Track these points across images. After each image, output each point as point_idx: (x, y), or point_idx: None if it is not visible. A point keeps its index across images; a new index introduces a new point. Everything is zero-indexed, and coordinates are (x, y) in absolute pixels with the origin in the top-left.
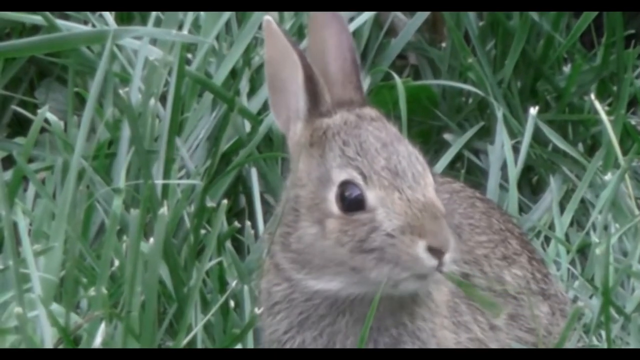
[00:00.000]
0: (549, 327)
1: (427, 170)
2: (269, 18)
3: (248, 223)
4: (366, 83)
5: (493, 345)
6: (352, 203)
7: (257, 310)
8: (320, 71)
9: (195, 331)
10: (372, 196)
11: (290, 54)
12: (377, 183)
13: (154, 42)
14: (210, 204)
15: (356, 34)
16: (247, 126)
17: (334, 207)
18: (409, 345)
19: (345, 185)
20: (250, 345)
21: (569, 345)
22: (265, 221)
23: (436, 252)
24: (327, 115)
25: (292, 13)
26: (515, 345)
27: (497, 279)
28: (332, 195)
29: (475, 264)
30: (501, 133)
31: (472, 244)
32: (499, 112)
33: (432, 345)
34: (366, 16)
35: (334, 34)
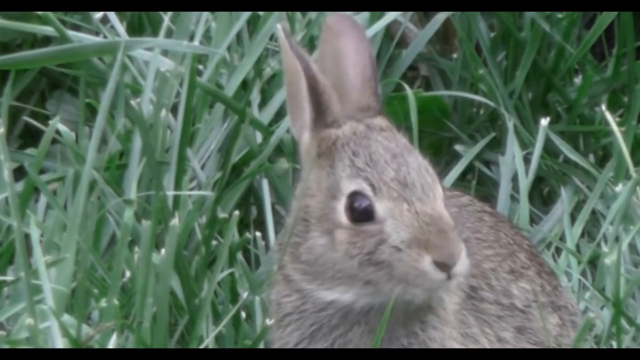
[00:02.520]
0: (558, 338)
1: (436, 182)
2: (279, 27)
3: (259, 234)
4: None
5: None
6: (361, 214)
7: (269, 322)
8: (335, 78)
9: (207, 342)
10: (381, 207)
11: (295, 65)
12: (387, 194)
13: (165, 53)
14: (221, 215)
15: None
16: (258, 137)
17: (343, 217)
18: None
19: (354, 195)
20: None
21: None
22: (276, 232)
23: (443, 265)
24: (334, 126)
25: (304, 23)
26: None
27: (504, 293)
28: (341, 205)
29: (483, 278)
30: (512, 144)
31: (480, 257)
32: (510, 123)
33: None
34: (377, 27)
35: (353, 40)
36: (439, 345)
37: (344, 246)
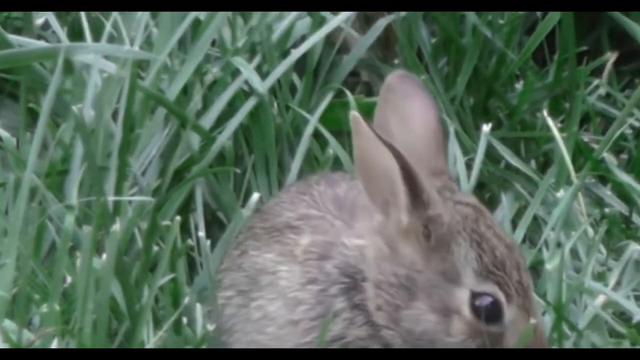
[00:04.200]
0: None
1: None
2: (356, 115)
3: (202, 239)
4: (317, 100)
5: None
6: (488, 315)
7: (210, 327)
8: (405, 142)
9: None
10: (509, 314)
11: (382, 151)
12: (515, 301)
13: (107, 58)
14: (163, 221)
15: (308, 52)
16: (199, 143)
17: (465, 308)
18: None
19: (484, 295)
20: None
21: None
22: (212, 238)
23: None
24: (430, 204)
25: (245, 30)
26: None
27: None
28: (464, 295)
29: None
30: (454, 150)
31: None
32: (452, 128)
33: None
34: (318, 36)
35: (420, 101)
36: None
37: (462, 336)
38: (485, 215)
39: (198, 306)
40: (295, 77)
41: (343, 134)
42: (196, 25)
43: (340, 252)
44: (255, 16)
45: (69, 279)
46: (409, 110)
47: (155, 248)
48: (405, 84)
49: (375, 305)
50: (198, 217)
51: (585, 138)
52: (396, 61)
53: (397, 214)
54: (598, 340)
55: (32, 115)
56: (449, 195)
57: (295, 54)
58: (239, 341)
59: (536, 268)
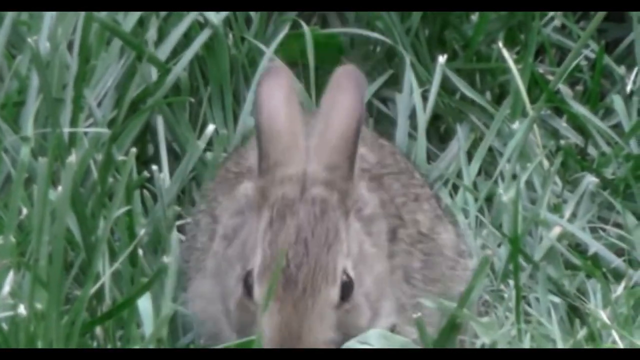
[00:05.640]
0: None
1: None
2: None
3: (157, 171)
4: (272, 32)
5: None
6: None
7: (166, 259)
8: (320, 128)
9: (103, 280)
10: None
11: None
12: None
13: None
14: (120, 157)
15: None
16: (154, 74)
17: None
18: None
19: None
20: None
21: (478, 292)
22: (171, 170)
23: None
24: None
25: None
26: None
27: (412, 223)
28: None
29: (397, 218)
30: (410, 81)
31: (393, 193)
32: (407, 59)
33: None
34: None
35: (351, 100)
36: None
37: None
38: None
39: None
40: None
41: (298, 65)
42: None
43: None
44: None
45: (24, 211)
46: (339, 106)
47: (111, 180)
48: (347, 79)
49: None
50: (160, 148)
51: (541, 69)
52: None
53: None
54: (553, 272)
55: None
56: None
57: None
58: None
59: (491, 200)
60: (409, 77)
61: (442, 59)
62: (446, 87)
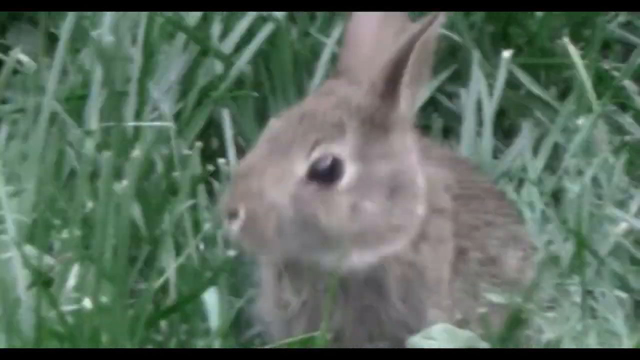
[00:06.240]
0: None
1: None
2: None
3: (223, 164)
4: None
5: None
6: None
7: (231, 253)
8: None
9: (168, 274)
10: None
11: None
12: None
13: None
14: (183, 147)
15: None
16: (218, 69)
17: None
18: None
19: None
20: (224, 288)
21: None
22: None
23: None
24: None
25: None
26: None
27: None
28: None
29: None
30: (476, 75)
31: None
32: (474, 54)
33: None
34: None
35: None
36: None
37: None
38: None
39: (219, 232)
40: None
41: None
42: None
43: None
44: None
45: (89, 205)
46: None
47: (175, 174)
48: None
49: None
50: (226, 141)
51: (606, 65)
52: None
53: None
54: (619, 268)
55: (52, 41)
56: None
57: None
58: None
59: (557, 195)
60: (476, 72)
61: (507, 53)
62: (510, 83)
